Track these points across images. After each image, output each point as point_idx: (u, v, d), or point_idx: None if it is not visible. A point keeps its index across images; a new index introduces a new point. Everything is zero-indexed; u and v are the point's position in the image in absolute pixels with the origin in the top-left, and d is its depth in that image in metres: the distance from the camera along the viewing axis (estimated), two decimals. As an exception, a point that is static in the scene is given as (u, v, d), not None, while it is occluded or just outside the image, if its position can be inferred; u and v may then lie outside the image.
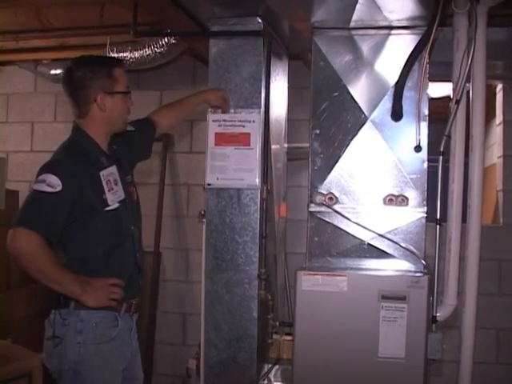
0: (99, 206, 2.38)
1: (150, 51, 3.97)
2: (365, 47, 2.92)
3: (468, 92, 2.76)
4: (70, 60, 2.55)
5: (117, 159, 2.54)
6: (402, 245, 2.80)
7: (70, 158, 2.38)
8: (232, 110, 2.96)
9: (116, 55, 4.01)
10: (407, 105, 2.82)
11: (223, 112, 2.99)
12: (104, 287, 2.36)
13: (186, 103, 3.01)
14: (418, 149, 2.82)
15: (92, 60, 2.55)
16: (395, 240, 2.81)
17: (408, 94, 2.82)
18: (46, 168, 2.34)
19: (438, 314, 2.66)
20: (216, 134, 2.96)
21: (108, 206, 2.39)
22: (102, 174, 2.41)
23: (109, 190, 2.41)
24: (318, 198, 2.91)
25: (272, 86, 3.07)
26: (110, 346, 2.39)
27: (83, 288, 2.30)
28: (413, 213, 2.84)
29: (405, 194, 2.84)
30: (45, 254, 2.24)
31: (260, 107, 2.95)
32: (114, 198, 2.42)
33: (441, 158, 2.70)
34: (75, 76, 2.42)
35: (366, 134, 2.89)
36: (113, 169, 2.47)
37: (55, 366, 2.39)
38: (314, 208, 2.92)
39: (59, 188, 2.26)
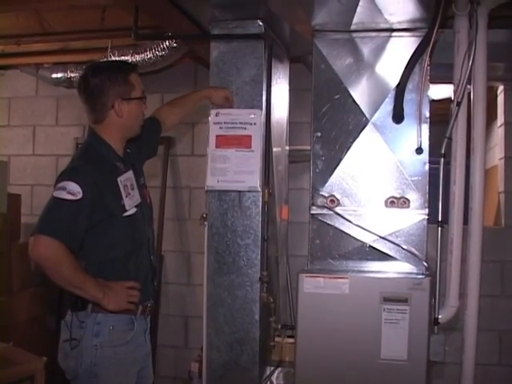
0: (118, 212, 2.39)
1: (151, 54, 3.99)
2: (366, 50, 2.92)
3: (469, 94, 2.76)
4: (85, 66, 2.56)
5: (132, 163, 2.55)
6: (404, 247, 2.80)
7: (88, 165, 2.38)
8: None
9: (117, 59, 4.01)
10: (408, 107, 2.82)
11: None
12: (123, 291, 2.38)
13: (189, 100, 3.02)
14: (419, 151, 2.82)
15: (107, 66, 2.55)
16: (397, 242, 2.81)
17: (409, 97, 2.82)
18: (66, 175, 2.34)
19: (439, 316, 2.65)
20: (217, 136, 2.96)
21: (126, 211, 2.41)
22: (119, 179, 2.42)
23: (126, 196, 2.42)
24: (320, 201, 2.91)
25: (273, 88, 3.08)
26: (126, 348, 2.41)
27: (104, 292, 2.32)
28: (414, 215, 2.84)
29: (406, 196, 2.84)
30: (67, 261, 2.25)
31: (261, 110, 2.95)
32: (131, 202, 2.44)
33: (442, 160, 2.69)
34: (92, 83, 2.42)
35: (368, 136, 2.88)
36: (129, 174, 2.48)
37: (71, 367, 2.40)
38: (315, 210, 2.92)
39: (80, 196, 2.26)
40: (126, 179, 2.45)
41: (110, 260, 2.41)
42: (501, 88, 4.25)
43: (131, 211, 2.43)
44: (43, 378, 2.12)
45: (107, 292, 2.32)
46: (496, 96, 4.36)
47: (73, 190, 2.27)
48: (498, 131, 4.34)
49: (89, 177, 2.32)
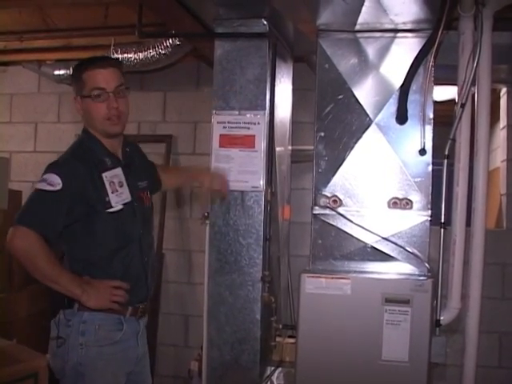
0: (101, 207, 2.37)
1: (154, 52, 3.98)
2: (370, 50, 2.91)
3: (473, 96, 2.75)
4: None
5: (127, 162, 2.53)
6: (407, 248, 2.79)
7: (74, 158, 2.39)
8: (237, 112, 2.95)
9: (120, 56, 4.01)
10: (412, 108, 2.81)
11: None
12: (106, 289, 2.34)
13: (187, 176, 3.02)
14: (422, 152, 2.81)
15: (78, 63, 2.55)
16: (399, 243, 2.81)
17: (413, 98, 2.81)
18: (50, 167, 2.36)
19: (441, 318, 2.65)
20: (221, 135, 2.95)
21: (111, 207, 2.39)
22: (104, 175, 2.40)
23: (112, 192, 2.40)
24: (322, 201, 2.90)
25: (277, 88, 3.06)
26: (113, 349, 2.38)
27: (82, 288, 2.29)
28: (417, 216, 2.83)
29: (409, 197, 2.84)
30: (42, 253, 2.24)
31: (265, 109, 2.95)
32: (118, 199, 2.41)
33: (445, 161, 2.69)
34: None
35: (371, 136, 2.88)
36: (117, 171, 2.46)
37: (58, 366, 2.39)
38: (318, 211, 2.92)
39: (59, 187, 2.27)
40: (113, 176, 2.43)
41: (95, 257, 2.39)
42: (504, 90, 4.25)
43: (116, 208, 2.40)
44: (47, 375, 2.11)
45: (87, 289, 2.29)
46: (499, 98, 4.35)
47: (53, 182, 2.28)
48: (501, 133, 4.34)
49: (71, 169, 2.33)
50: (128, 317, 2.43)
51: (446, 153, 2.69)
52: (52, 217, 2.29)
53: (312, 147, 2.98)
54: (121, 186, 2.43)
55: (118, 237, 2.43)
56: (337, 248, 2.89)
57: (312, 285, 2.67)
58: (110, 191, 2.39)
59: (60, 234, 2.33)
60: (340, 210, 2.88)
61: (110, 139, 2.49)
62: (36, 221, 2.25)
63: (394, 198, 2.85)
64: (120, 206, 2.41)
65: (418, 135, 2.81)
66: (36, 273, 2.28)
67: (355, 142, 2.89)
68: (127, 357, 2.45)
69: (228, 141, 2.94)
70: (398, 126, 2.85)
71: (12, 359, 2.11)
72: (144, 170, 2.69)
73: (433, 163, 2.83)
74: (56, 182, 2.27)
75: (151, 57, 4.00)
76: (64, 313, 2.38)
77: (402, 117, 2.81)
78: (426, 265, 2.77)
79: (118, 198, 2.41)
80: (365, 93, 2.90)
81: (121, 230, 2.43)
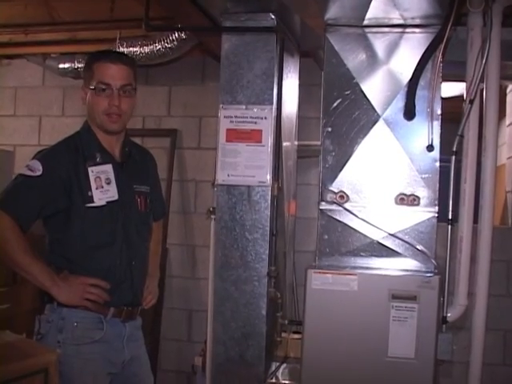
0: (80, 201, 2.34)
1: (160, 46, 3.96)
2: (378, 45, 2.89)
3: (481, 92, 2.74)
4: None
5: (124, 162, 2.50)
6: (414, 245, 2.78)
7: (61, 148, 2.39)
8: (244, 106, 2.94)
9: (126, 50, 3.99)
10: (420, 104, 2.79)
11: None
12: (80, 285, 2.29)
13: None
14: (430, 148, 2.79)
15: (93, 52, 2.56)
16: (406, 239, 2.79)
17: (421, 93, 2.79)
18: (36, 155, 2.39)
19: (448, 315, 2.63)
20: (228, 130, 2.93)
21: (93, 202, 2.35)
22: (90, 169, 2.37)
23: (97, 188, 2.36)
24: (329, 196, 2.89)
25: (284, 82, 3.05)
26: (92, 348, 2.32)
27: (53, 281, 2.24)
28: (424, 212, 2.82)
29: (416, 194, 2.82)
30: (13, 238, 2.22)
31: (272, 104, 2.93)
32: (102, 196, 2.37)
33: (453, 157, 2.67)
34: None
35: (378, 132, 2.86)
36: (107, 167, 2.42)
37: None
38: (324, 206, 2.90)
39: (39, 173, 2.27)
40: (100, 171, 2.39)
41: (74, 253, 2.34)
42: (510, 87, 4.24)
43: (98, 204, 2.36)
44: (57, 370, 2.09)
45: (58, 282, 2.25)
46: (505, 95, 4.34)
47: (33, 167, 2.29)
48: (507, 130, 4.33)
49: (55, 158, 2.33)
50: (110, 317, 2.38)
51: (454, 149, 2.68)
52: (27, 201, 2.26)
53: (318, 142, 2.97)
54: (108, 183, 2.39)
55: (98, 234, 2.38)
56: (343, 244, 2.87)
57: (318, 280, 2.66)
58: (94, 186, 2.36)
59: (35, 222, 2.30)
60: (347, 205, 2.87)
61: (107, 135, 2.47)
62: (9, 204, 2.24)
63: (401, 194, 2.84)
64: (103, 203, 2.37)
65: (425, 131, 2.80)
66: (6, 259, 2.23)
67: (362, 138, 2.88)
68: (109, 358, 2.39)
69: (235, 135, 2.92)
70: (405, 121, 2.84)
71: (21, 354, 2.09)
72: (148, 180, 2.64)
73: (440, 159, 2.82)
74: (36, 168, 2.28)
75: (157, 51, 3.99)
76: (46, 308, 2.35)
77: (409, 113, 2.80)
78: (433, 261, 2.76)
79: (103, 194, 2.37)
80: (372, 88, 2.88)
81: (100, 228, 2.38)
